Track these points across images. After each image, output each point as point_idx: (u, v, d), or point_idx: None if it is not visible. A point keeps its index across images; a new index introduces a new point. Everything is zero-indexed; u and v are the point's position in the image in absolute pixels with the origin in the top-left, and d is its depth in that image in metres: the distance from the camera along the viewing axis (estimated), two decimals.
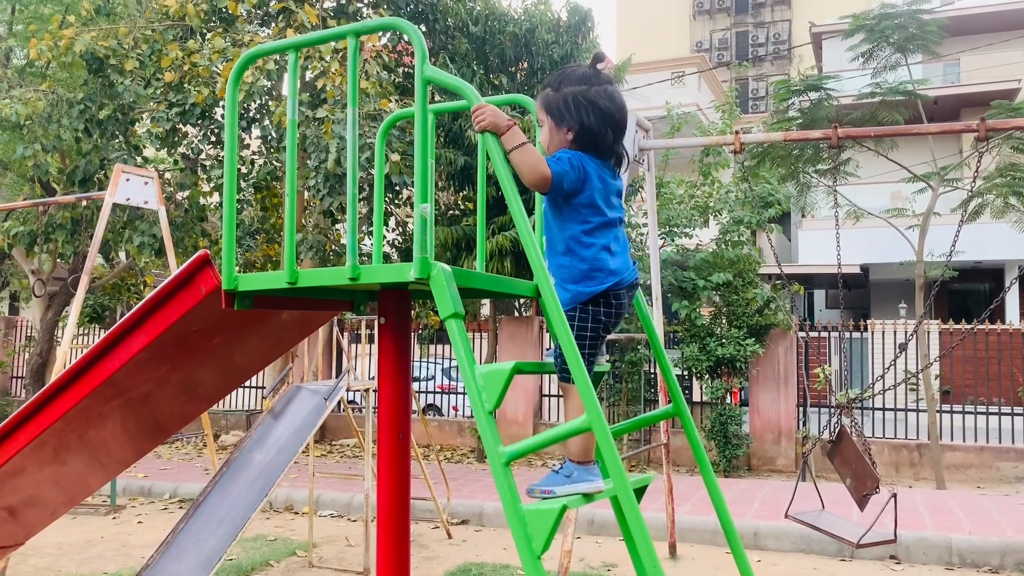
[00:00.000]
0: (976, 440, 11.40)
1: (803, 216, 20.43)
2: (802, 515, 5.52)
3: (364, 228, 12.42)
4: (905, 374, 7.03)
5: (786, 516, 5.54)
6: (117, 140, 11.35)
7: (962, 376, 13.39)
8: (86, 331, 15.85)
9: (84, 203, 10.90)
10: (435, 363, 15.38)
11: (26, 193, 13.15)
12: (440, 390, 14.86)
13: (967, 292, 22.75)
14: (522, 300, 14.10)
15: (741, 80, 36.26)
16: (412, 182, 10.07)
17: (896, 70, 11.52)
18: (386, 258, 13.36)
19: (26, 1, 13.69)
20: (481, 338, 13.67)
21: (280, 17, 10.41)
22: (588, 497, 2.48)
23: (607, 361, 2.99)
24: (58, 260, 13.44)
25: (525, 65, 11.93)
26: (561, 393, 2.71)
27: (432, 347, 15.73)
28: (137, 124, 11.88)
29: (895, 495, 5.14)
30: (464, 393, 14.51)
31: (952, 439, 11.60)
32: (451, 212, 12.62)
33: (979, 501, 8.60)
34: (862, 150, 11.42)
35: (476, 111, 2.36)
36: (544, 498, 2.45)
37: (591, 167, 2.57)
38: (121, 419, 3.46)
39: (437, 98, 8.96)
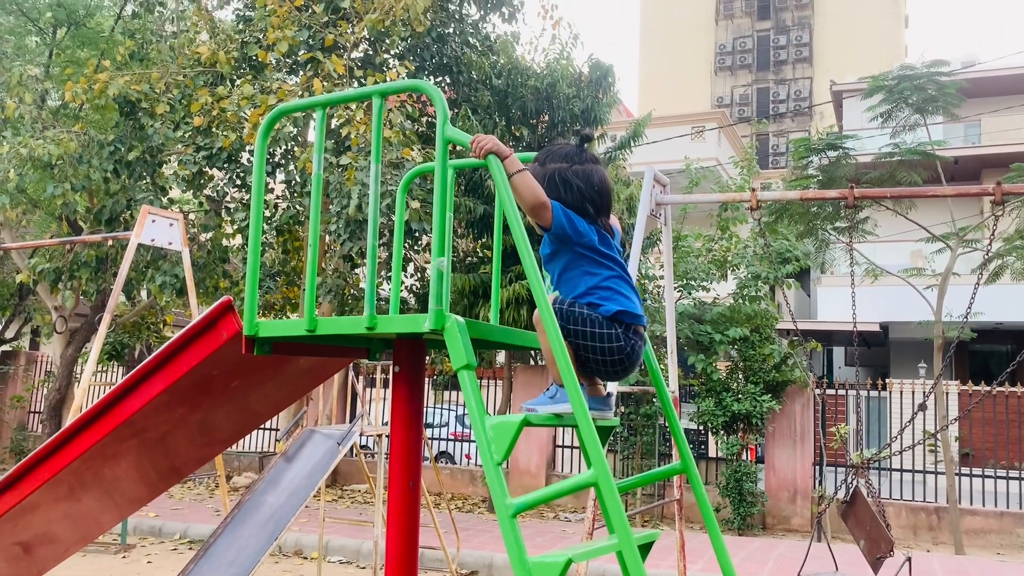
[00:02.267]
0: (996, 505, 11.19)
1: (822, 273, 20.39)
2: None
3: (383, 273, 12.54)
4: (924, 435, 6.96)
5: None
6: (144, 181, 11.58)
7: (982, 439, 13.18)
8: (105, 368, 15.97)
9: (109, 242, 11.09)
10: (449, 410, 15.33)
11: (53, 231, 13.40)
12: (453, 437, 14.80)
13: (988, 353, 22.50)
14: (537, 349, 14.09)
15: (761, 136, 36.53)
16: (431, 229, 10.18)
17: (915, 130, 11.58)
18: (403, 303, 13.45)
19: (64, 45, 14.12)
20: (496, 385, 13.66)
21: (308, 66, 10.67)
22: (560, 417, 2.58)
23: (616, 416, 3.02)
24: (81, 297, 13.62)
25: (546, 118, 12.12)
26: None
27: (446, 393, 15.71)
28: (165, 166, 12.13)
29: (909, 559, 5.07)
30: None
31: (972, 503, 11.39)
32: (469, 259, 12.73)
33: (998, 568, 8.43)
34: (880, 209, 11.44)
35: (475, 141, 2.48)
36: (528, 412, 2.57)
37: (592, 228, 2.74)
38: (136, 459, 3.51)
39: (458, 148, 9.13)
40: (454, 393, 15.62)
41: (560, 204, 2.69)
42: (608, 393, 2.90)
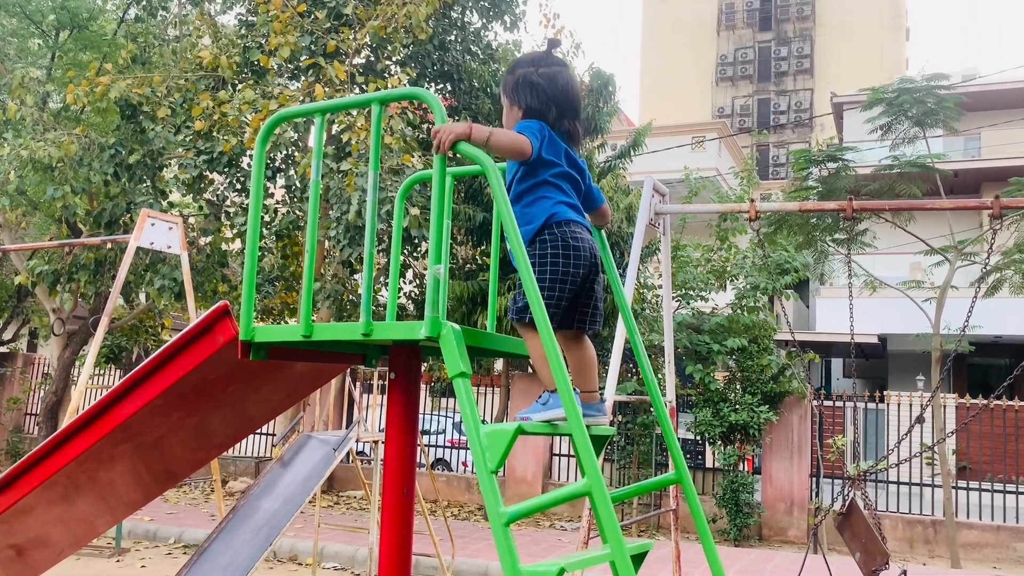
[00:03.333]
0: (993, 519, 11.17)
1: (821, 284, 20.39)
2: None
3: (381, 280, 12.54)
4: (921, 448, 6.96)
5: None
6: (145, 184, 11.58)
7: (979, 452, 13.17)
8: (102, 371, 15.95)
9: (109, 245, 11.08)
10: (446, 417, 15.31)
11: (53, 233, 13.40)
12: (450, 445, 14.77)
13: (987, 367, 22.49)
14: None
15: (761, 147, 36.59)
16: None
17: (915, 143, 11.60)
18: (401, 309, 13.45)
19: (66, 48, 14.15)
20: (493, 393, 13.64)
21: (310, 72, 10.69)
22: (554, 425, 2.60)
23: (611, 424, 3.03)
24: (79, 299, 13.62)
25: None
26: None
27: (443, 400, 15.69)
28: (165, 170, 12.13)
29: (905, 572, 5.07)
30: None
31: (968, 517, 11.37)
32: (468, 266, 12.74)
33: None
34: (879, 221, 11.46)
35: (435, 136, 2.44)
36: (522, 421, 2.56)
37: (547, 131, 2.74)
38: (131, 462, 3.50)
39: (458, 156, 9.12)
40: (451, 400, 15.60)
41: (536, 124, 2.70)
42: (602, 399, 2.90)
